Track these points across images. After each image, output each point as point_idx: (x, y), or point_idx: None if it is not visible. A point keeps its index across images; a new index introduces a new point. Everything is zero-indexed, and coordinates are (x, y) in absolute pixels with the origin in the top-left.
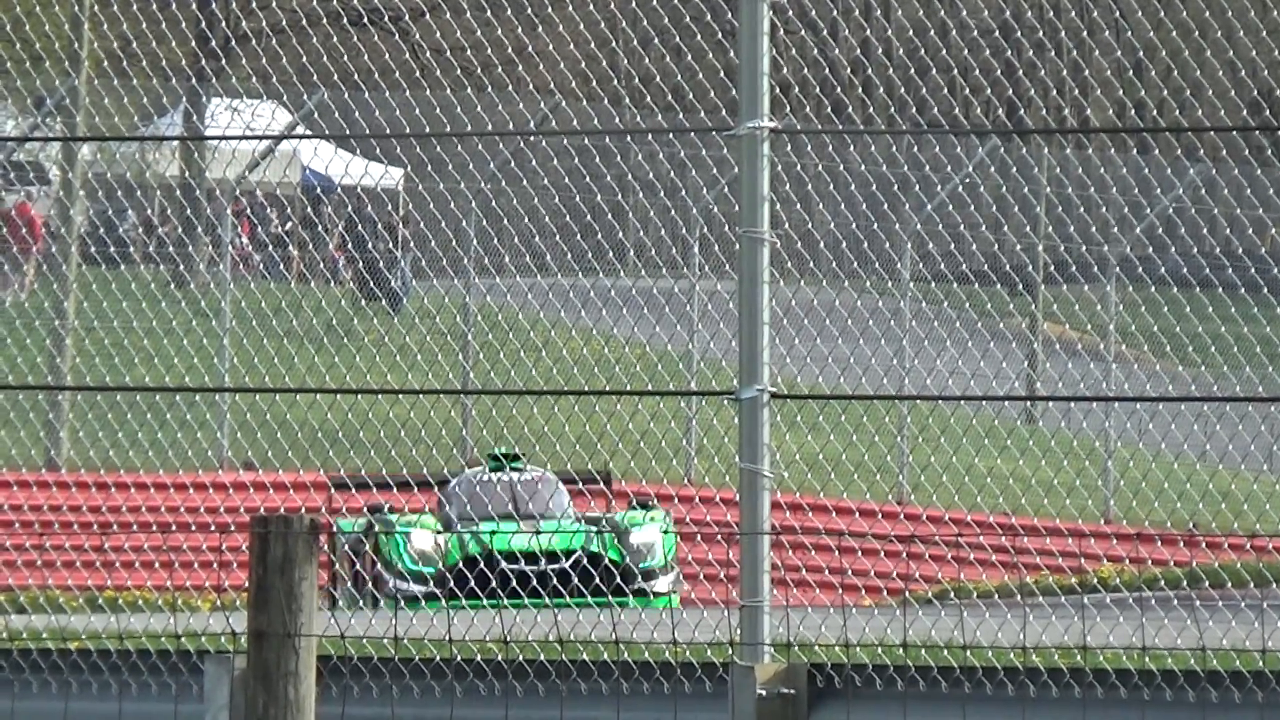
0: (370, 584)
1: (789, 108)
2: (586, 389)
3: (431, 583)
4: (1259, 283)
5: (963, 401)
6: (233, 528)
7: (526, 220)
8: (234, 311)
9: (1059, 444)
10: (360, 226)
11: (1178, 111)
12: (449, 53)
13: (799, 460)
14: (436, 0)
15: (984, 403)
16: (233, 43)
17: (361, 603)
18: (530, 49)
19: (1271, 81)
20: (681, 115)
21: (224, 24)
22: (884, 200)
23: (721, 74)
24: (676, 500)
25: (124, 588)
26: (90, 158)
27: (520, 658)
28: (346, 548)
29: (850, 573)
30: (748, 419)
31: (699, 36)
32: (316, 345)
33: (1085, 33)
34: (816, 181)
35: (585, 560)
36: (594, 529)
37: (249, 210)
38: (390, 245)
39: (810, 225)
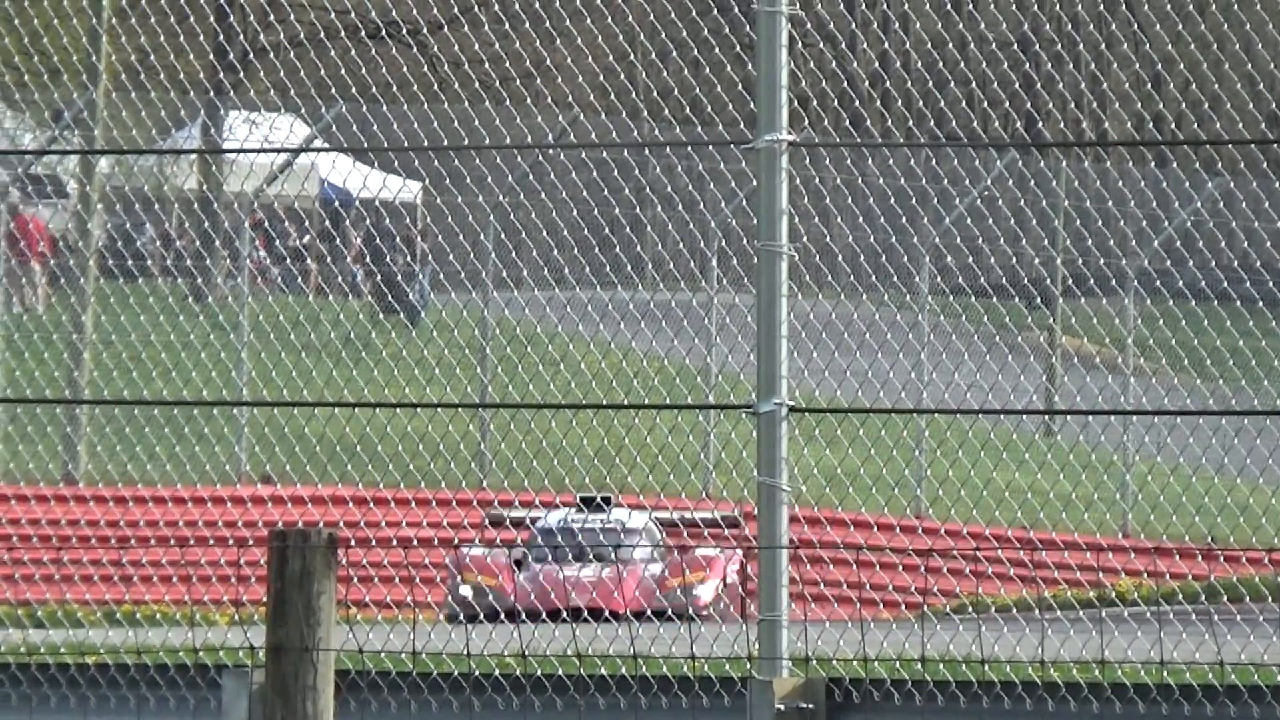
0: None
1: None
2: (604, 402)
3: None
4: (1276, 296)
5: (980, 415)
6: (251, 542)
7: (545, 233)
8: (252, 325)
9: (1077, 458)
10: (379, 240)
11: (1196, 125)
12: (467, 66)
13: (817, 474)
14: (455, 13)
15: (1002, 416)
16: (251, 56)
17: None
18: (548, 62)
19: None
20: (700, 128)
21: (242, 37)
22: (902, 213)
23: (740, 87)
24: (693, 514)
25: (142, 602)
26: (108, 171)
27: (538, 672)
28: None
29: (868, 587)
30: (766, 433)
31: (717, 50)
32: (334, 359)
33: (1104, 46)
34: (835, 195)
35: None
36: None
37: (267, 223)
38: (408, 258)
39: (829, 238)
